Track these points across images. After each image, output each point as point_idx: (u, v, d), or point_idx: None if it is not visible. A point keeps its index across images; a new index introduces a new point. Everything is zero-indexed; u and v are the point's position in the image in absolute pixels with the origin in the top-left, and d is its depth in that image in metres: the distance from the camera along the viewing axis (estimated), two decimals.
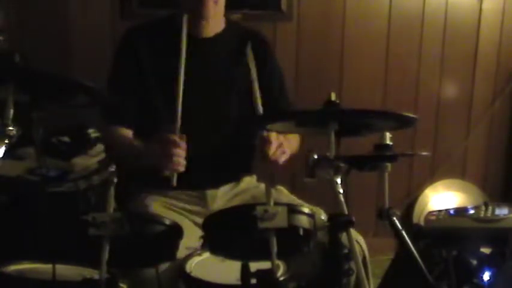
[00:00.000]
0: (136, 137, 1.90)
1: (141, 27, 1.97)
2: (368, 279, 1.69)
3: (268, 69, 1.99)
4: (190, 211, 1.90)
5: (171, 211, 1.87)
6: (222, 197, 1.96)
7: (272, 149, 1.73)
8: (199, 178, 1.89)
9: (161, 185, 1.80)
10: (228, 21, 2.00)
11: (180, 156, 1.67)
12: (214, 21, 1.93)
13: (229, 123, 1.96)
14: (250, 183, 2.04)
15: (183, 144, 1.68)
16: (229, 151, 1.97)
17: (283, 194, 1.95)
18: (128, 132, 1.91)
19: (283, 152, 1.77)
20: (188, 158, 1.75)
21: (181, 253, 1.48)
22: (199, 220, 1.70)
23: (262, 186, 1.97)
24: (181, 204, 1.91)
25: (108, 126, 1.95)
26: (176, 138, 1.68)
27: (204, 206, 1.91)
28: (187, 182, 1.86)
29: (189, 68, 1.83)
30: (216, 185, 1.95)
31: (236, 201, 1.94)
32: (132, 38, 1.93)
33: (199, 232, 1.45)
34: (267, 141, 1.74)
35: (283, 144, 1.76)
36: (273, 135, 1.75)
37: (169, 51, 1.87)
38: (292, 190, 2.00)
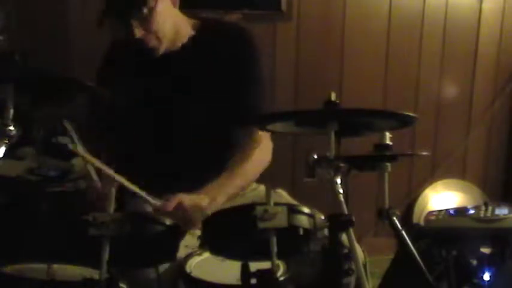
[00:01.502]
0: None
1: (120, 41, 1.88)
2: (368, 280, 1.69)
3: (244, 72, 1.85)
4: None
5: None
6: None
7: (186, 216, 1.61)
8: (189, 186, 1.76)
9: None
10: (202, 24, 1.87)
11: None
12: (167, 41, 1.79)
13: (207, 131, 1.86)
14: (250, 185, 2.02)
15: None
16: (214, 158, 1.86)
17: (282, 197, 1.93)
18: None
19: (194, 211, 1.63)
20: (175, 175, 1.75)
21: (181, 252, 1.48)
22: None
23: (261, 188, 1.97)
24: None
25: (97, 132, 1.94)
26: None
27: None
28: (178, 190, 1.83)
29: (153, 85, 1.83)
30: None
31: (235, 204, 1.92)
32: (111, 49, 1.95)
33: (198, 233, 1.44)
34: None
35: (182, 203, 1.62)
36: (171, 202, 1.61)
37: (134, 67, 1.86)
38: (292, 191, 2.00)
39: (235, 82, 1.83)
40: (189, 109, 1.85)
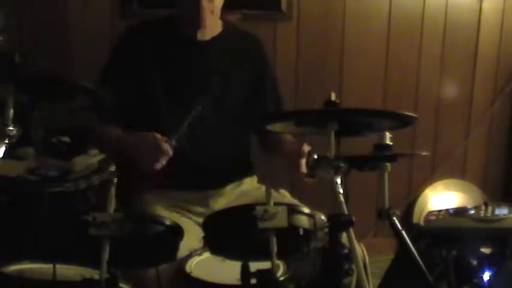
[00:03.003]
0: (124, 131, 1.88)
1: (141, 27, 1.98)
2: (368, 280, 1.69)
3: (265, 79, 2.03)
4: (191, 212, 1.90)
5: (173, 212, 1.87)
6: (224, 197, 1.96)
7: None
8: (200, 178, 1.89)
9: (162, 185, 1.80)
10: (226, 24, 2.00)
11: (161, 163, 1.66)
12: (211, 25, 1.93)
13: (229, 123, 1.96)
14: (251, 184, 2.04)
15: (170, 152, 1.67)
16: (229, 151, 1.97)
17: (285, 198, 1.94)
18: (116, 128, 1.90)
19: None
20: (189, 159, 1.76)
21: (182, 254, 1.48)
22: (201, 221, 1.70)
23: (264, 188, 1.98)
24: (182, 205, 1.91)
25: (99, 126, 1.94)
26: (166, 146, 1.66)
27: (206, 207, 1.91)
28: (189, 182, 1.86)
29: (187, 70, 1.87)
30: (218, 185, 1.95)
31: (239, 203, 1.93)
32: (131, 36, 1.94)
33: (201, 233, 1.44)
34: (302, 154, 1.70)
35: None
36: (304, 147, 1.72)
37: (167, 53, 1.89)
38: (292, 191, 2.00)
39: (260, 79, 2.00)
40: (224, 97, 1.95)
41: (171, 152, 1.66)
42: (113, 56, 1.96)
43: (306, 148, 1.70)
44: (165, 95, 1.88)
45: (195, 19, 1.85)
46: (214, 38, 1.95)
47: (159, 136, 1.69)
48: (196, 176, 1.88)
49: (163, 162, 1.66)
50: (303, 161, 1.69)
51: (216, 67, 1.95)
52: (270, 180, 1.34)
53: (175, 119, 1.88)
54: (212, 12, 1.87)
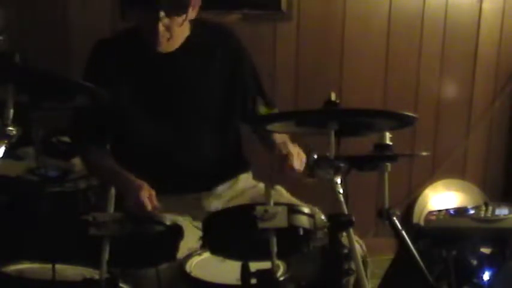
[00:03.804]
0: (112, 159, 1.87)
1: (109, 40, 1.96)
2: (367, 279, 1.69)
3: (242, 68, 1.97)
4: (188, 214, 1.89)
5: (171, 212, 1.86)
6: (217, 198, 1.94)
7: (294, 163, 1.71)
8: (191, 181, 1.88)
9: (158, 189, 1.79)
10: (193, 24, 1.91)
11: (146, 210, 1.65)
12: (175, 38, 1.85)
13: (212, 123, 1.94)
14: (247, 182, 2.03)
15: (155, 204, 1.66)
16: (217, 151, 1.95)
17: (282, 194, 1.94)
18: (107, 156, 1.89)
19: (301, 160, 1.74)
20: (178, 163, 1.78)
21: (181, 254, 1.48)
22: (197, 223, 1.70)
23: (260, 186, 1.98)
24: (178, 209, 1.90)
25: (85, 146, 1.93)
26: (148, 202, 1.64)
27: (200, 209, 1.90)
28: (180, 186, 1.85)
29: (157, 81, 1.87)
30: (210, 186, 1.94)
31: (233, 204, 1.93)
32: (100, 50, 1.92)
33: (198, 234, 1.44)
34: (285, 159, 1.71)
35: (299, 153, 1.74)
36: (289, 147, 1.74)
37: (135, 65, 1.87)
38: (292, 191, 2.00)
39: (237, 69, 1.94)
40: (201, 98, 1.92)
41: (151, 208, 1.64)
42: (85, 71, 1.92)
43: (285, 151, 1.72)
44: (136, 107, 1.86)
45: (154, 40, 1.79)
46: (180, 46, 1.89)
47: (143, 192, 1.65)
48: (186, 180, 1.87)
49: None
50: (287, 164, 1.70)
51: (185, 74, 1.90)
52: (269, 180, 1.34)
53: (148, 129, 1.87)
54: (174, 35, 1.80)
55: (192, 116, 1.91)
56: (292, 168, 1.70)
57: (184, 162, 1.89)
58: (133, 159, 1.86)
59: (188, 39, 1.90)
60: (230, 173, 2.00)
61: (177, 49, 1.87)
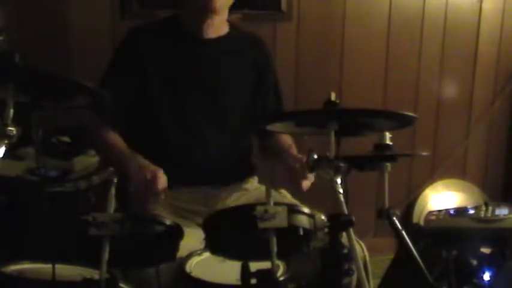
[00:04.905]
0: (124, 142, 1.87)
1: (144, 27, 1.97)
2: (368, 280, 1.69)
3: (267, 78, 2.03)
4: (192, 212, 1.90)
5: (172, 214, 1.86)
6: (225, 197, 1.95)
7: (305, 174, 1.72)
8: (202, 177, 1.89)
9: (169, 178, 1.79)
10: (231, 25, 2.00)
11: (153, 192, 1.65)
12: (219, 21, 1.92)
13: (231, 124, 1.96)
14: (252, 185, 2.04)
15: (163, 182, 1.65)
16: (231, 151, 1.97)
17: (286, 198, 1.94)
18: (116, 137, 1.88)
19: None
20: (191, 157, 1.79)
21: (181, 252, 1.48)
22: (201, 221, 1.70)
23: (264, 187, 1.98)
24: (183, 205, 1.91)
25: (98, 128, 1.92)
26: (160, 177, 1.65)
27: (207, 207, 1.91)
28: (190, 180, 1.86)
29: (191, 69, 1.88)
30: (219, 184, 1.95)
31: (239, 203, 1.93)
32: (135, 37, 1.93)
33: (201, 234, 1.44)
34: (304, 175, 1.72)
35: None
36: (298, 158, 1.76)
37: (171, 52, 1.89)
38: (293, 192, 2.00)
39: (263, 79, 2.01)
40: (227, 96, 1.96)
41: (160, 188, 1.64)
42: (116, 57, 1.95)
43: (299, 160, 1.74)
44: (167, 95, 1.88)
45: (208, 4, 1.82)
46: (220, 38, 1.95)
47: (160, 173, 1.65)
48: (197, 175, 1.88)
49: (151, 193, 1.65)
50: (305, 182, 1.72)
51: (220, 66, 1.95)
52: (269, 180, 1.34)
53: (178, 119, 1.88)
54: (222, 12, 1.87)
55: (214, 111, 1.93)
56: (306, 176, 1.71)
57: (198, 156, 1.90)
58: (150, 146, 1.85)
59: (225, 36, 1.96)
60: (240, 174, 2.02)
61: (215, 39, 1.93)
